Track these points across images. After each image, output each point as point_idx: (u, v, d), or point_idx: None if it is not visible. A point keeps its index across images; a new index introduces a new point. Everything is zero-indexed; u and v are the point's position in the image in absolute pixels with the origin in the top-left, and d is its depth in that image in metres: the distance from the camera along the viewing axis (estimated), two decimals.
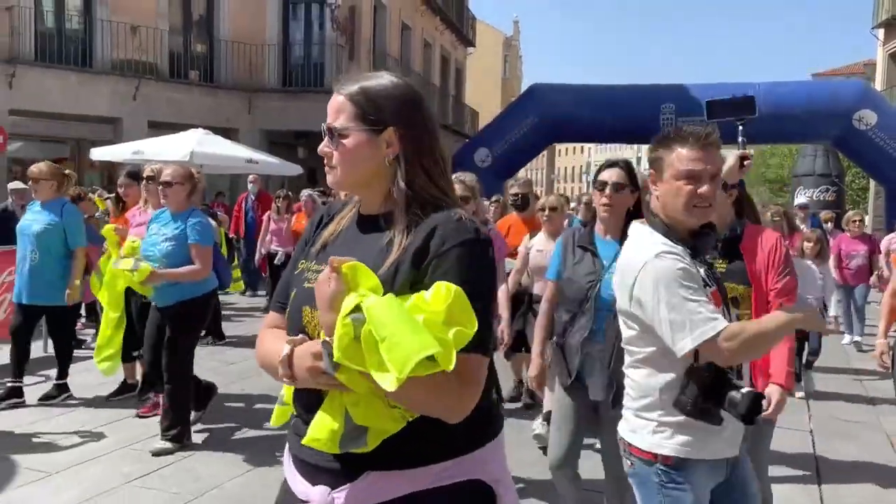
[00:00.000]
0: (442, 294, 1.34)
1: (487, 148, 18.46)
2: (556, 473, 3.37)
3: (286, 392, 1.80)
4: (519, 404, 5.76)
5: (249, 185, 12.18)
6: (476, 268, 1.52)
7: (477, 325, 1.36)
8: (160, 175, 5.01)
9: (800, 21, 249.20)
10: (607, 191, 3.15)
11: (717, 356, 2.01)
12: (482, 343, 1.43)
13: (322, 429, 1.46)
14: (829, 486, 4.52)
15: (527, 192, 6.16)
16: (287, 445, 1.70)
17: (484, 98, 39.37)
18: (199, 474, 4.34)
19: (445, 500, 1.53)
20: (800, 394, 6.32)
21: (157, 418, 4.98)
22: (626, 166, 3.24)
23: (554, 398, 3.46)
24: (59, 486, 4.10)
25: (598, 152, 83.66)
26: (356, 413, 1.43)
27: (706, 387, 2.03)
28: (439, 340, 1.29)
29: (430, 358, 1.27)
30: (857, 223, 9.15)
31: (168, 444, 4.63)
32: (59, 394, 5.71)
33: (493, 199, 8.23)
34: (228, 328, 8.49)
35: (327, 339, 1.37)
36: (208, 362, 6.30)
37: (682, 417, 2.07)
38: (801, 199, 15.32)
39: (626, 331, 2.25)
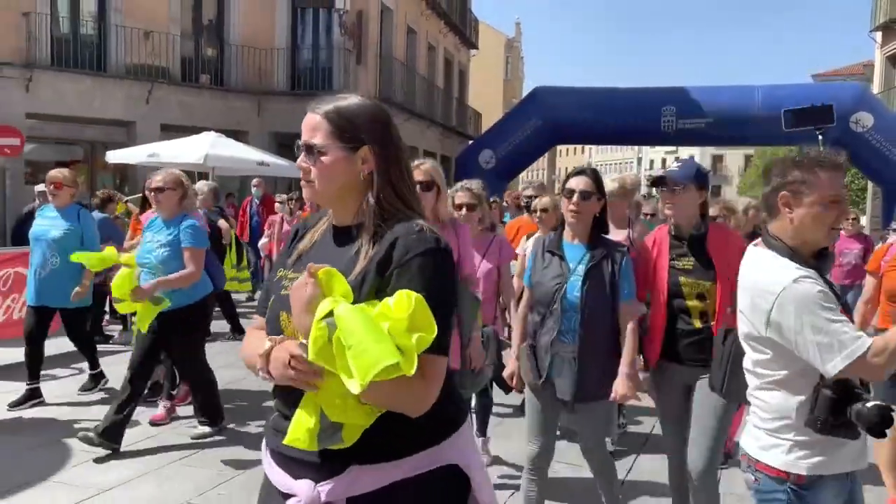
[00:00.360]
0: (405, 302, 1.44)
1: (491, 150, 18.71)
2: (529, 472, 3.43)
3: None
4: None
5: (253, 189, 12.30)
6: (436, 276, 1.62)
7: (436, 330, 1.45)
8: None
9: (800, 22, 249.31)
10: (575, 198, 3.26)
11: (869, 372, 2.06)
12: (440, 345, 1.52)
13: (300, 428, 1.55)
14: None
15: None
16: (265, 440, 1.80)
17: (486, 99, 39.50)
18: (234, 455, 4.68)
19: (426, 485, 1.65)
20: None
21: (190, 407, 5.32)
22: (593, 174, 3.36)
23: (526, 399, 3.53)
24: (109, 466, 4.46)
25: (598, 153, 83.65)
26: (330, 411, 1.52)
27: (835, 402, 2.06)
28: (403, 347, 1.40)
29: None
30: (851, 222, 9.20)
31: (206, 429, 4.97)
32: (95, 384, 6.01)
33: (491, 200, 8.38)
34: (247, 325, 8.75)
35: (303, 340, 1.49)
36: (229, 357, 6.58)
37: (815, 436, 2.10)
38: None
39: (756, 355, 2.25)
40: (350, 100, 1.75)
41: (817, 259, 2.22)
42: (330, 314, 1.43)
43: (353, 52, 18.63)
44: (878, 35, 27.29)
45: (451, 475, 1.69)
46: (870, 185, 23.99)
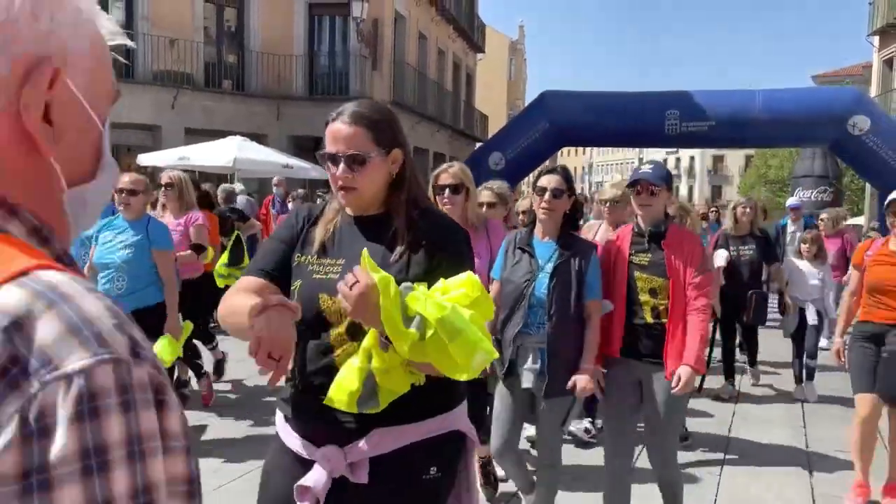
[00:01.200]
0: (471, 283, 1.68)
1: (500, 152, 19.19)
2: (500, 460, 3.50)
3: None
4: None
5: (275, 189, 12.53)
6: (470, 259, 1.90)
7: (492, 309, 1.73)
8: (177, 181, 5.50)
9: (801, 24, 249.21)
10: (547, 196, 3.27)
11: None
12: None
13: (342, 391, 1.68)
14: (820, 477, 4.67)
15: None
16: (281, 413, 1.92)
17: (491, 101, 39.69)
18: (238, 449, 4.78)
19: (436, 446, 1.83)
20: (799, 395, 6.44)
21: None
22: (564, 172, 3.37)
23: (496, 391, 3.54)
24: None
25: (600, 154, 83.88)
26: (384, 379, 1.68)
27: None
28: (482, 332, 1.63)
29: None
30: (825, 220, 9.10)
31: None
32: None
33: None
34: None
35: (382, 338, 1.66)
36: (241, 352, 6.99)
37: None
38: (793, 200, 16.12)
39: None
40: (372, 105, 1.89)
41: None
42: (411, 318, 1.60)
43: (369, 59, 19.11)
44: (876, 39, 27.72)
45: (456, 438, 1.90)
46: (867, 185, 24.52)
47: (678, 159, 69.09)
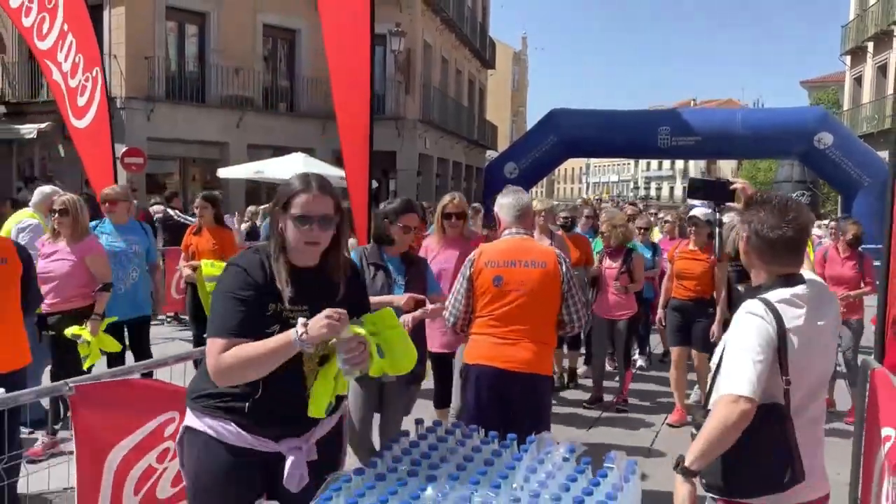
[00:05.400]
0: (390, 314, 2.19)
1: (514, 162, 21.31)
2: (358, 452, 3.60)
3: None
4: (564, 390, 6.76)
5: None
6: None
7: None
8: (71, 207, 4.64)
9: (789, 32, 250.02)
10: (411, 234, 3.74)
11: None
12: None
13: (321, 404, 2.12)
14: None
15: (574, 215, 7.04)
16: (233, 422, 2.15)
17: (496, 109, 40.55)
18: None
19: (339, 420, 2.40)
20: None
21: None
22: (420, 211, 4.16)
23: (350, 392, 3.60)
24: None
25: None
26: (342, 385, 2.17)
27: None
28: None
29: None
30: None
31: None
32: None
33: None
34: None
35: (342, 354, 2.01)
36: None
37: None
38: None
39: None
40: (325, 179, 2.21)
41: None
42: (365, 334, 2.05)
43: (403, 84, 21.13)
44: (848, 58, 29.66)
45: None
46: None
47: (673, 161, 70.82)
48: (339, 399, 2.25)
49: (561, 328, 3.43)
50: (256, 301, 2.09)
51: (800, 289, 2.13)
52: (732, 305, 5.95)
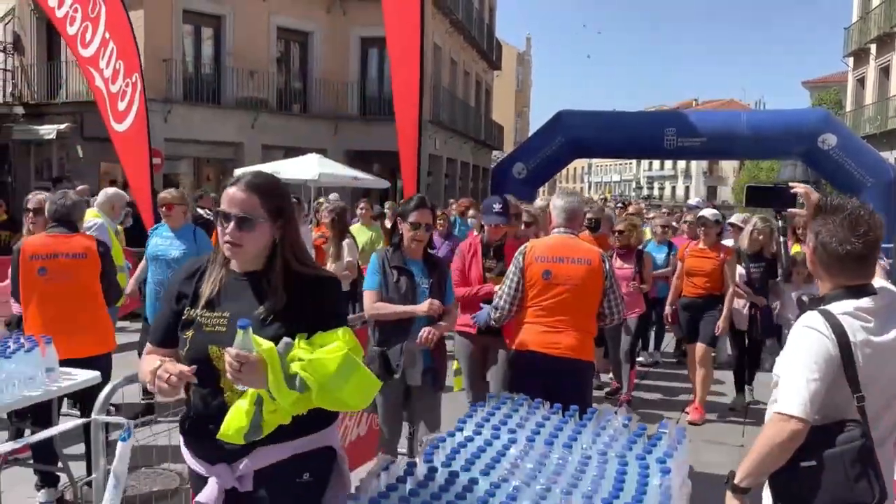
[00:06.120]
0: (345, 337, 1.89)
1: (523, 162, 21.33)
2: (384, 458, 3.94)
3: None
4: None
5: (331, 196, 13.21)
6: (345, 308, 2.19)
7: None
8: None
9: (791, 33, 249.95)
10: (421, 230, 3.59)
11: None
12: None
13: (231, 428, 1.86)
14: None
15: (599, 216, 6.80)
16: (183, 439, 2.08)
17: (501, 109, 40.97)
18: None
19: (310, 456, 2.04)
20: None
21: None
22: (431, 206, 3.71)
23: (378, 399, 3.63)
24: None
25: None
26: (270, 417, 1.86)
27: None
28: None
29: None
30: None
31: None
32: None
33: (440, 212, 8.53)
34: None
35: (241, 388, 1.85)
36: None
37: None
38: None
39: None
40: (267, 178, 2.05)
41: None
42: (292, 376, 1.79)
43: None
44: (851, 60, 29.88)
45: (327, 451, 2.08)
46: None
47: (675, 161, 70.90)
48: (288, 426, 1.92)
49: (601, 320, 3.72)
50: (175, 306, 2.07)
51: (865, 301, 2.02)
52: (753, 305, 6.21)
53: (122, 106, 6.62)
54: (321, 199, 12.43)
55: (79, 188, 6.79)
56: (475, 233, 6.09)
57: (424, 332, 3.46)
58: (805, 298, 5.58)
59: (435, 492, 1.86)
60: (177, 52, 18.01)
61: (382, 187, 16.42)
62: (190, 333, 1.99)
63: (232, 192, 1.97)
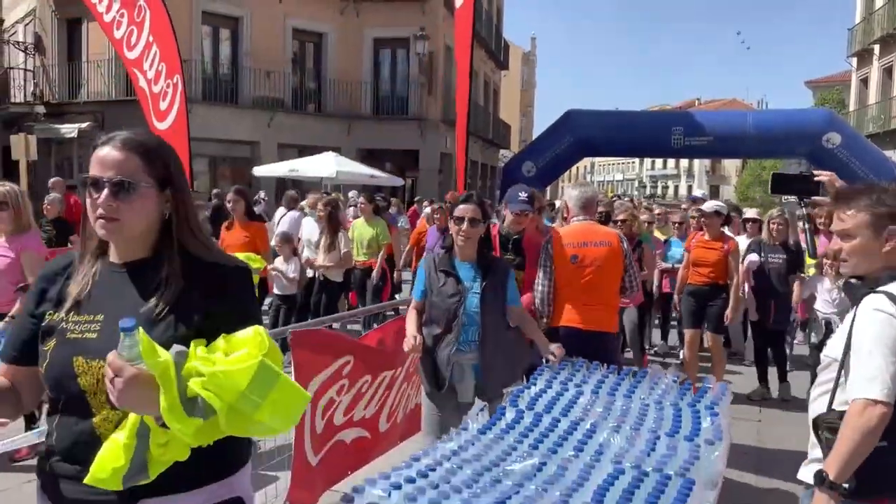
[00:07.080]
0: (257, 339, 1.39)
1: (532, 161, 21.60)
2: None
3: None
4: None
5: (350, 194, 13.30)
6: (253, 298, 1.63)
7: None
8: (12, 198, 4.30)
9: (794, 33, 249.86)
10: (465, 225, 3.30)
11: None
12: None
13: (105, 469, 1.38)
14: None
15: (609, 210, 6.86)
16: (40, 485, 1.59)
17: (507, 108, 40.82)
18: None
19: None
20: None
21: None
22: (479, 201, 3.39)
23: (423, 406, 3.52)
24: None
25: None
26: (159, 452, 1.39)
27: None
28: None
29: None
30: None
31: None
32: None
33: (436, 206, 8.92)
34: None
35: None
36: None
37: None
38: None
39: None
40: (149, 135, 1.61)
41: None
42: (192, 398, 1.34)
43: (426, 85, 21.63)
44: (854, 60, 30.11)
45: None
46: None
47: (678, 160, 71.14)
48: (184, 470, 1.48)
49: (623, 293, 4.11)
50: (35, 310, 1.62)
51: None
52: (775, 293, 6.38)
53: (163, 105, 6.97)
54: (350, 194, 12.58)
55: None
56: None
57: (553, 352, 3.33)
58: (836, 303, 5.78)
59: (528, 425, 2.20)
60: (196, 52, 18.33)
61: (397, 185, 16.74)
62: (51, 344, 1.55)
63: (104, 152, 1.53)
